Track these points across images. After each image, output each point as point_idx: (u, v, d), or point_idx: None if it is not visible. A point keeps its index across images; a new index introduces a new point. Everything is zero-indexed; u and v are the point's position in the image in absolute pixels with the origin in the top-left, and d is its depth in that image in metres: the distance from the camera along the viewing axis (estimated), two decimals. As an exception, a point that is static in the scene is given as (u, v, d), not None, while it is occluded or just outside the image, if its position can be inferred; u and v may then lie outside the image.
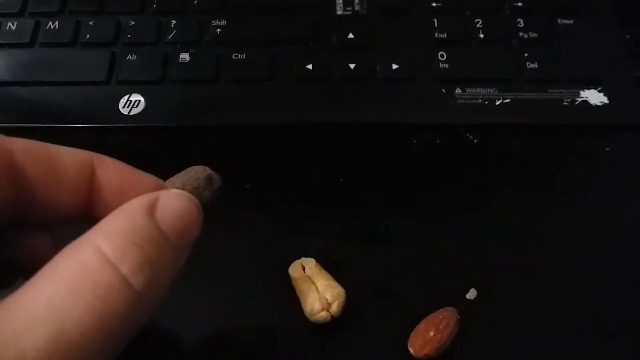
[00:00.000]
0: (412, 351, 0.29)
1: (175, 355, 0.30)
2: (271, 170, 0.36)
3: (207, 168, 0.25)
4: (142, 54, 0.40)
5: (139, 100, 0.38)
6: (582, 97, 0.38)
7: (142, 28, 0.41)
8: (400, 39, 0.41)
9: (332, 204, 0.35)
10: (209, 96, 0.39)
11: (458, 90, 0.39)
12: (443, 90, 0.39)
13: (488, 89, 0.39)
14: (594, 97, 0.38)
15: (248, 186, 0.35)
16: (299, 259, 0.31)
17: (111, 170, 0.24)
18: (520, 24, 0.41)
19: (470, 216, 0.34)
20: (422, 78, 0.39)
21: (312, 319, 0.29)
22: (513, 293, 0.32)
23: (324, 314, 0.29)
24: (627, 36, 0.41)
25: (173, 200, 0.22)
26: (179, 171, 0.25)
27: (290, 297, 0.31)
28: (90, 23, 0.41)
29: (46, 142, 0.24)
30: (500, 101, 0.38)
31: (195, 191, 0.24)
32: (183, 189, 0.24)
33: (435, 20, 0.41)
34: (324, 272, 0.31)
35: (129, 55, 0.40)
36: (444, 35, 0.41)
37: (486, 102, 0.38)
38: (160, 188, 0.24)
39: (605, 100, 0.38)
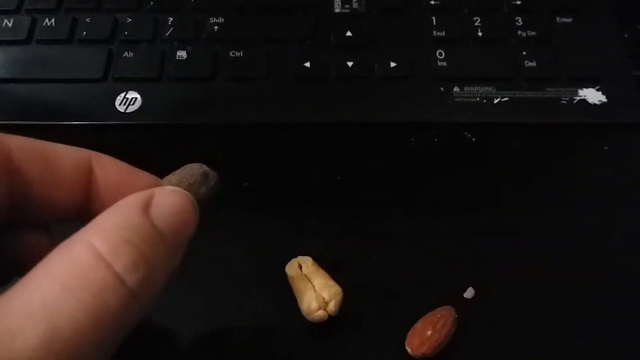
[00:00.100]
0: (409, 350, 0.29)
1: (173, 353, 0.30)
2: (269, 168, 0.36)
3: (203, 165, 0.25)
4: (139, 51, 0.40)
5: (136, 98, 0.38)
6: (581, 96, 0.38)
7: (139, 25, 0.41)
8: (398, 37, 0.41)
9: (330, 202, 0.35)
10: (206, 94, 0.39)
11: (456, 89, 0.38)
12: (441, 89, 0.38)
13: (486, 88, 0.39)
14: (593, 96, 0.38)
15: (245, 184, 0.35)
16: (296, 257, 0.31)
17: (108, 169, 0.24)
18: (519, 23, 0.41)
19: (468, 215, 0.34)
20: (421, 76, 0.39)
21: (309, 317, 0.29)
22: (511, 292, 0.31)
23: (320, 312, 0.29)
24: (626, 35, 0.41)
25: (168, 197, 0.22)
26: (176, 169, 0.25)
27: (287, 296, 0.30)
28: (87, 20, 0.41)
29: (42, 139, 0.23)
30: (499, 100, 0.38)
31: (190, 188, 0.24)
32: (179, 186, 0.24)
33: (433, 18, 0.41)
34: (321, 271, 0.31)
35: (126, 53, 0.40)
36: (443, 34, 0.41)
37: (484, 101, 0.38)
38: (157, 186, 0.24)
39: (603, 99, 0.38)
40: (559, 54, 0.40)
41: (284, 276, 0.31)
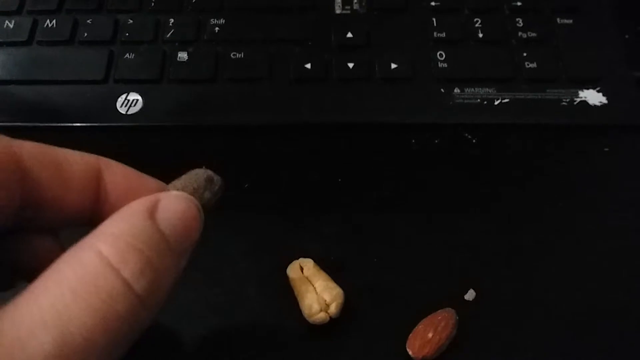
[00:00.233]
0: (410, 352, 0.29)
1: (173, 355, 0.30)
2: (270, 170, 0.36)
3: (207, 170, 0.25)
4: (140, 53, 0.40)
5: (137, 100, 0.38)
6: (581, 97, 0.38)
7: (140, 26, 0.41)
8: (399, 38, 0.41)
9: (331, 204, 0.35)
10: (207, 95, 0.39)
11: (457, 90, 0.38)
12: (442, 90, 0.39)
13: (487, 89, 0.39)
14: (593, 97, 0.38)
15: (246, 186, 0.35)
16: (297, 259, 0.31)
17: (117, 174, 0.24)
18: (519, 24, 0.41)
19: (469, 217, 0.34)
20: (421, 78, 0.39)
21: (310, 320, 0.29)
22: (512, 294, 0.31)
23: (322, 315, 0.29)
24: (626, 36, 0.41)
25: (173, 202, 0.22)
26: (176, 170, 0.25)
27: (289, 298, 0.31)
28: (88, 21, 0.41)
29: (43, 141, 0.23)
30: (499, 101, 0.38)
31: (195, 192, 0.24)
32: (183, 191, 0.24)
33: (434, 19, 0.41)
34: (322, 273, 0.31)
35: (127, 54, 0.40)
36: (443, 35, 0.41)
37: (485, 102, 0.38)
38: (164, 191, 0.24)
39: (604, 100, 0.38)
40: (559, 55, 0.40)
41: (285, 278, 0.31)
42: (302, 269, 0.31)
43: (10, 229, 0.22)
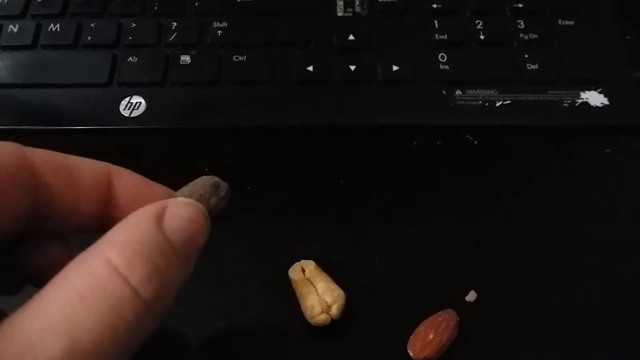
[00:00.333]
0: (411, 354, 0.29)
1: (175, 356, 0.30)
2: (272, 172, 0.37)
3: (215, 177, 0.25)
4: (143, 56, 0.40)
5: (140, 102, 0.38)
6: (583, 99, 0.38)
7: (143, 30, 0.41)
8: (400, 40, 0.41)
9: (333, 206, 0.35)
10: (209, 98, 0.39)
11: (458, 92, 0.39)
12: (443, 92, 0.39)
13: (488, 91, 0.39)
14: (594, 98, 0.38)
15: (249, 188, 0.35)
16: (299, 261, 0.31)
17: (127, 182, 0.24)
18: (521, 25, 0.41)
19: (470, 218, 0.34)
20: (423, 79, 0.39)
21: (312, 321, 0.29)
22: (513, 295, 0.32)
23: (323, 316, 0.29)
24: (628, 37, 0.41)
25: (180, 209, 0.22)
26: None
27: (290, 300, 0.31)
28: (92, 25, 0.41)
29: (47, 144, 0.24)
30: (501, 102, 0.38)
31: (202, 198, 0.24)
32: (190, 197, 0.24)
33: (435, 21, 0.41)
34: (324, 275, 0.31)
35: (130, 57, 0.40)
36: (445, 37, 0.41)
37: (486, 104, 0.38)
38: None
39: (605, 101, 0.38)
40: (560, 56, 0.40)
41: (287, 280, 0.31)
42: (303, 270, 0.31)
43: (21, 234, 0.23)
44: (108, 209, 0.24)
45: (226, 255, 0.33)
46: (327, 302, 0.29)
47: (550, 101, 0.38)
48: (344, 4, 0.43)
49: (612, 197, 0.35)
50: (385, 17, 0.42)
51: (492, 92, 0.39)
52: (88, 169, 0.24)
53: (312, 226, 0.34)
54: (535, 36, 0.40)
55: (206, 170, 0.26)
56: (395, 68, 0.39)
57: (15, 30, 0.41)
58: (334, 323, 0.30)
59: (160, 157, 0.37)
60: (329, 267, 0.31)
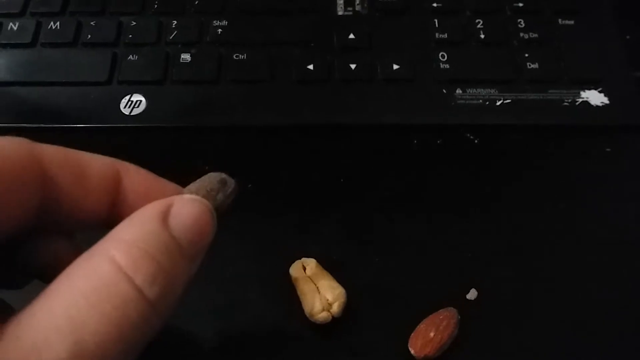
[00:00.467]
0: (412, 351, 0.29)
1: (176, 355, 0.30)
2: (273, 171, 0.36)
3: (222, 173, 0.25)
4: (144, 54, 0.40)
5: (140, 101, 0.38)
6: (583, 98, 0.38)
7: (143, 28, 0.41)
8: (400, 39, 0.41)
9: (333, 204, 0.35)
10: (209, 96, 0.39)
11: (459, 91, 0.39)
12: (444, 91, 0.39)
13: (489, 90, 0.39)
14: (595, 97, 0.38)
15: (249, 186, 0.35)
16: (300, 259, 0.31)
17: (135, 178, 0.24)
18: (521, 25, 0.41)
19: (471, 217, 0.34)
20: (423, 79, 0.39)
21: (313, 319, 0.29)
22: (513, 294, 0.32)
23: (324, 314, 0.29)
24: (628, 36, 0.41)
25: (186, 206, 0.22)
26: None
27: (291, 298, 0.31)
28: (92, 23, 0.41)
29: (47, 142, 0.24)
30: (501, 102, 0.38)
31: (208, 195, 0.24)
32: (197, 194, 0.24)
33: (435, 20, 0.41)
34: (325, 272, 0.31)
35: (130, 56, 0.40)
36: (445, 36, 0.41)
37: (487, 103, 0.38)
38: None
39: (605, 100, 0.38)
40: (561, 55, 0.40)
41: (287, 278, 0.31)
42: (304, 268, 0.31)
43: (29, 230, 0.23)
44: (116, 205, 0.24)
45: (227, 254, 0.33)
46: (328, 300, 0.29)
47: (550, 100, 0.38)
48: (344, 3, 0.43)
49: (612, 196, 0.36)
50: (385, 16, 0.42)
51: (493, 91, 0.39)
52: (96, 165, 0.23)
53: (312, 225, 0.34)
54: (535, 35, 0.41)
55: (206, 168, 0.25)
56: (395, 67, 0.39)
57: (15, 28, 0.41)
58: (335, 321, 0.30)
59: (160, 155, 0.37)
60: (329, 266, 0.31)
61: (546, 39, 0.41)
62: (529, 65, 0.39)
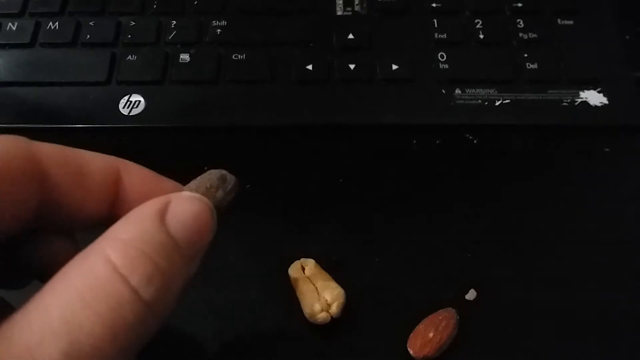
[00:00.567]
0: (411, 352, 0.29)
1: (174, 355, 0.30)
2: (272, 171, 0.36)
3: (222, 170, 0.24)
4: (143, 55, 0.40)
5: (139, 101, 0.38)
6: (582, 98, 0.38)
7: (142, 28, 0.41)
8: (400, 39, 0.41)
9: (332, 205, 0.35)
10: (209, 97, 0.39)
11: (458, 91, 0.39)
12: (443, 91, 0.39)
13: (488, 90, 0.39)
14: (594, 97, 0.38)
15: (248, 187, 0.35)
16: (299, 259, 0.31)
17: (135, 176, 0.24)
18: (520, 25, 0.41)
19: (470, 217, 0.34)
20: (422, 79, 0.39)
21: (312, 320, 0.29)
22: (513, 294, 0.32)
23: (323, 314, 0.29)
24: (627, 37, 0.41)
25: (184, 204, 0.22)
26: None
27: (290, 298, 0.31)
28: (91, 23, 0.41)
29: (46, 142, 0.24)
30: (500, 102, 0.38)
31: (208, 192, 0.23)
32: (197, 191, 0.23)
33: (435, 20, 0.41)
34: (324, 273, 0.31)
35: (129, 56, 0.40)
36: (444, 36, 0.41)
37: (486, 103, 0.38)
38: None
39: (604, 100, 0.38)
40: (560, 56, 0.40)
41: (286, 278, 0.31)
42: (303, 269, 0.31)
43: (28, 230, 0.22)
44: (116, 204, 0.23)
45: (226, 254, 0.33)
46: (327, 301, 0.29)
47: (549, 100, 0.38)
48: (344, 3, 0.43)
49: (611, 196, 0.35)
50: (384, 16, 0.42)
51: (492, 91, 0.39)
52: (96, 163, 0.23)
53: (312, 225, 0.34)
54: (534, 36, 0.41)
55: (206, 168, 0.25)
56: (394, 67, 0.39)
57: (13, 28, 0.41)
58: (333, 321, 0.30)
59: (160, 155, 0.36)
60: (328, 266, 0.31)
61: (545, 39, 0.41)
62: (529, 66, 0.39)
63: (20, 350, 0.17)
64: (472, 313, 0.31)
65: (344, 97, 0.39)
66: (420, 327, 0.29)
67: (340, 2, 0.43)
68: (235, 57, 0.40)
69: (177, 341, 0.30)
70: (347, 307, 0.30)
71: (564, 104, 0.38)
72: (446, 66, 0.39)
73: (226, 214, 0.24)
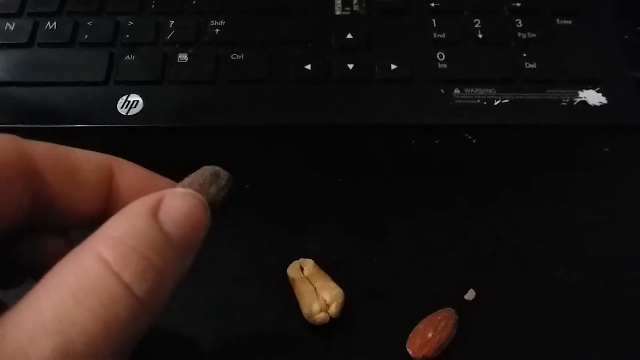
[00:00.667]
0: (410, 352, 0.29)
1: (173, 356, 0.30)
2: (270, 171, 0.36)
3: (216, 167, 0.24)
4: (141, 54, 0.40)
5: (138, 101, 0.38)
6: (581, 98, 0.38)
7: (140, 28, 0.41)
8: (399, 39, 0.41)
9: (331, 204, 0.35)
10: (207, 97, 0.39)
11: (457, 91, 0.39)
12: (442, 91, 0.39)
13: (487, 89, 0.39)
14: (593, 97, 0.38)
15: (247, 186, 0.35)
16: (298, 259, 0.31)
17: (129, 174, 0.24)
18: (519, 24, 0.41)
19: (469, 217, 0.34)
20: (421, 78, 0.39)
21: (311, 320, 0.29)
22: (512, 294, 0.32)
23: (322, 315, 0.29)
24: (626, 36, 0.41)
25: (177, 200, 0.21)
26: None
27: (289, 298, 0.31)
28: (89, 23, 0.41)
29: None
30: (499, 101, 0.38)
31: (201, 188, 0.23)
32: (190, 188, 0.23)
33: (433, 20, 0.41)
34: (323, 273, 0.31)
35: (128, 56, 0.40)
36: (443, 36, 0.41)
37: (485, 103, 0.38)
38: None
39: (603, 100, 0.38)
40: (559, 55, 0.40)
41: (285, 278, 0.31)
42: (302, 269, 0.31)
43: (22, 229, 0.22)
44: (110, 202, 0.23)
45: (224, 254, 0.33)
46: (325, 301, 0.29)
47: (548, 100, 0.38)
48: (342, 2, 0.43)
49: (610, 196, 0.35)
50: (383, 16, 0.42)
51: (491, 91, 0.39)
52: (89, 161, 0.23)
53: (310, 225, 0.34)
54: (533, 35, 0.40)
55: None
56: (393, 67, 0.39)
57: (11, 28, 0.41)
58: (332, 322, 0.29)
59: (158, 155, 0.36)
60: (327, 266, 0.31)
61: (544, 39, 0.40)
62: (527, 65, 0.39)
63: (13, 348, 0.17)
64: (471, 313, 0.30)
65: (342, 97, 0.39)
66: (420, 327, 0.29)
67: (339, 1, 0.43)
68: (233, 57, 0.40)
69: (176, 341, 0.30)
70: (346, 307, 0.30)
71: (563, 103, 0.38)
72: (445, 66, 0.39)
73: (221, 210, 0.24)
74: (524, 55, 0.40)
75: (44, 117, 0.38)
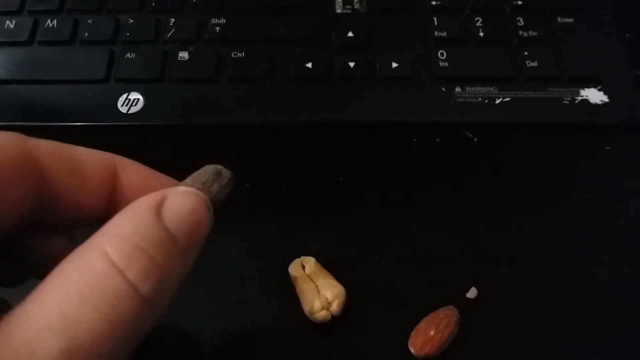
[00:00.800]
0: (412, 350, 0.29)
1: (174, 354, 0.30)
2: (271, 169, 0.36)
3: (218, 165, 0.24)
4: (141, 52, 0.40)
5: (138, 99, 0.38)
6: (582, 96, 0.38)
7: (141, 26, 0.41)
8: (399, 37, 0.41)
9: (332, 202, 0.35)
10: (208, 95, 0.39)
11: (458, 89, 0.38)
12: (443, 89, 0.39)
13: (488, 88, 0.39)
14: (594, 96, 0.38)
15: (248, 185, 0.35)
16: (299, 257, 0.31)
17: (132, 173, 0.24)
18: (520, 23, 0.41)
19: (471, 215, 0.34)
20: (422, 77, 0.39)
21: (312, 318, 0.29)
22: (513, 292, 0.31)
23: (323, 313, 0.29)
24: (627, 35, 0.41)
25: (180, 199, 0.22)
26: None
27: (290, 296, 0.30)
28: (89, 21, 0.41)
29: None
30: (500, 100, 0.38)
31: (203, 187, 0.23)
32: (192, 186, 0.23)
33: (434, 18, 0.41)
34: (324, 271, 0.31)
35: (128, 54, 0.40)
36: (444, 34, 0.41)
37: (486, 101, 0.38)
38: None
39: (605, 99, 0.38)
40: (560, 54, 0.40)
41: (287, 276, 0.31)
42: (303, 267, 0.31)
43: (26, 227, 0.22)
44: (113, 200, 0.24)
45: (226, 252, 0.33)
46: (327, 299, 0.29)
47: (549, 99, 0.38)
48: (343, 1, 0.42)
49: (611, 194, 0.35)
50: (384, 14, 0.42)
51: (492, 89, 0.38)
52: (93, 160, 0.23)
53: (311, 223, 0.34)
54: (534, 34, 0.40)
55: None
56: (394, 65, 0.39)
57: (11, 26, 0.41)
58: (334, 320, 0.29)
59: (158, 154, 0.37)
60: (329, 264, 0.31)
61: (545, 37, 0.40)
62: (529, 64, 0.39)
63: (19, 346, 0.17)
64: (473, 311, 0.30)
65: (343, 95, 0.39)
66: (421, 325, 0.29)
67: (340, 0, 0.42)
68: (234, 55, 0.40)
69: (177, 340, 0.30)
70: (348, 305, 0.30)
71: (565, 102, 0.38)
72: (446, 64, 0.39)
73: (223, 209, 0.24)
74: (525, 53, 0.40)
75: (45, 115, 0.38)
